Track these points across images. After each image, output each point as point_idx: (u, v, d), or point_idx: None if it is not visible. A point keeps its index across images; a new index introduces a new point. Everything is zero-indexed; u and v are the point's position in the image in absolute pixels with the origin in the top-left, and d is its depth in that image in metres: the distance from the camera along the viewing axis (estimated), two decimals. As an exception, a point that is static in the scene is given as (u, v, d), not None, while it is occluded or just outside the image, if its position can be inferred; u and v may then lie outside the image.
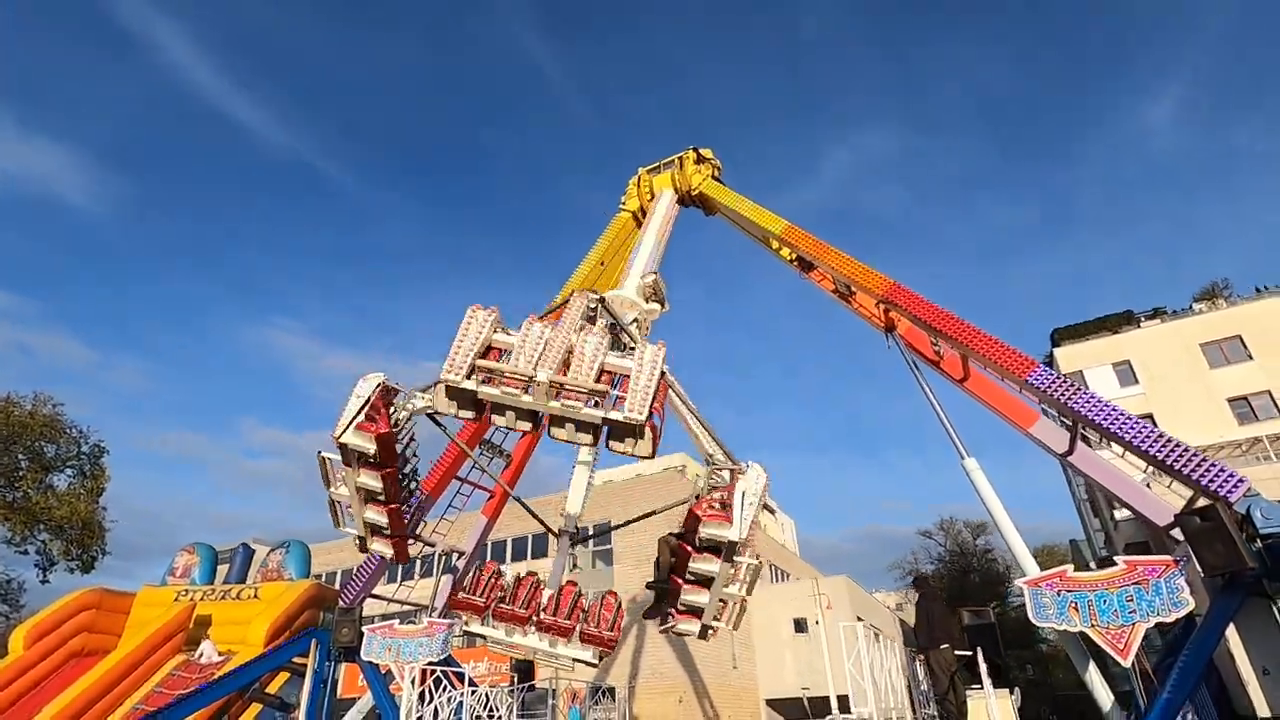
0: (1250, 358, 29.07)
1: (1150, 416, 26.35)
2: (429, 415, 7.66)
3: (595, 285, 14.88)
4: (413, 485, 7.94)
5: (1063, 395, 8.54)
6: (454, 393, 6.80)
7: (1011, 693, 10.58)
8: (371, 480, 7.31)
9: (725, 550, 6.53)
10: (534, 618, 7.66)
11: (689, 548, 6.76)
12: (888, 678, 7.62)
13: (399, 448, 7.39)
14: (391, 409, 7.25)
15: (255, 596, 15.48)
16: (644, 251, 11.63)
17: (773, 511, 44.45)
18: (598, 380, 6.39)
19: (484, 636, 7.85)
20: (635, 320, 9.30)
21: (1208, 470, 7.50)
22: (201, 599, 15.66)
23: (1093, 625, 7.21)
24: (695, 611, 6.94)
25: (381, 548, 7.94)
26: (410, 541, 8.29)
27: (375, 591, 12.48)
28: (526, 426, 6.92)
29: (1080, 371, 30.80)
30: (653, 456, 6.92)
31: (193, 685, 12.22)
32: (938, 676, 8.99)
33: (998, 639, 9.14)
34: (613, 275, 15.27)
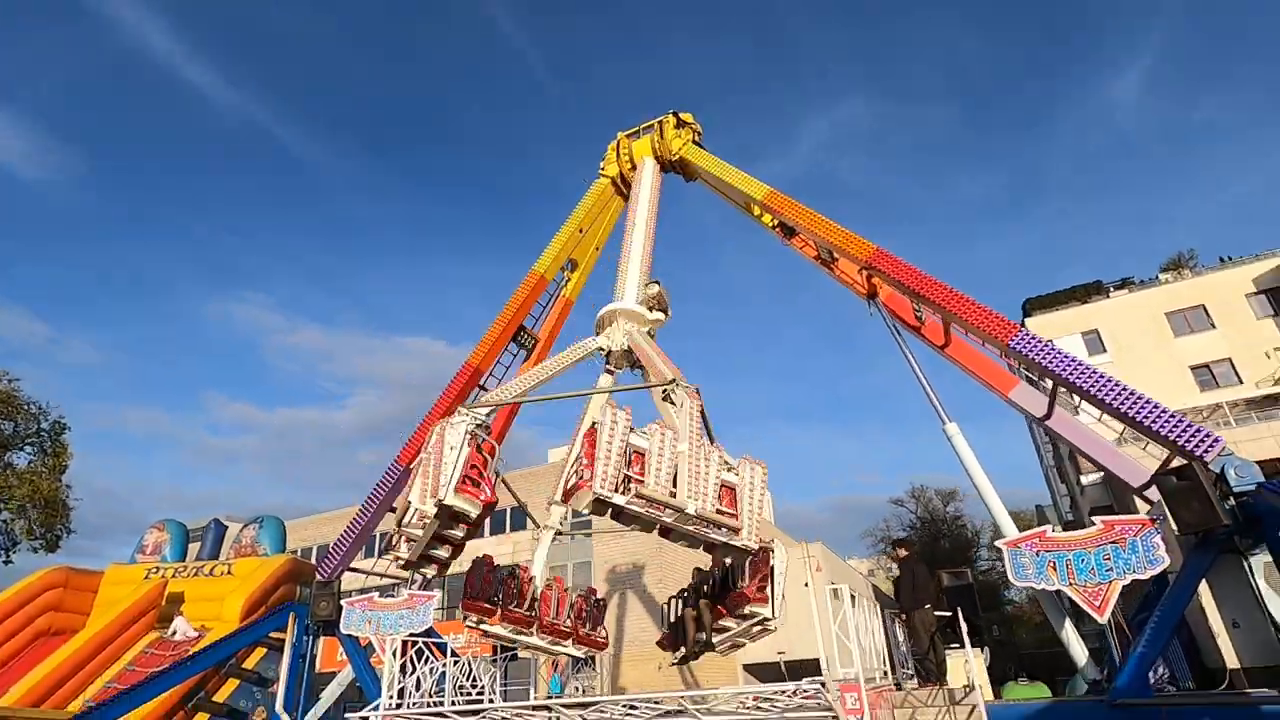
0: (1213, 326, 29.83)
1: (1117, 384, 26.94)
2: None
3: (573, 254, 14.62)
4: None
5: (1044, 359, 8.58)
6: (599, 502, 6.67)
7: (981, 651, 10.84)
8: (458, 532, 7.86)
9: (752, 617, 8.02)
10: (537, 621, 9.25)
11: (723, 610, 8.51)
12: (871, 639, 7.70)
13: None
14: (491, 466, 7.58)
15: (229, 573, 15.21)
16: (636, 252, 11.44)
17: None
18: (719, 499, 6.84)
19: (494, 635, 9.06)
20: (649, 331, 9.86)
21: (1185, 430, 7.61)
22: (173, 576, 15.34)
23: (1070, 584, 7.33)
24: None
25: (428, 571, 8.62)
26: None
27: (353, 565, 12.29)
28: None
29: (1050, 341, 31.37)
30: None
31: (167, 662, 12.00)
32: (919, 636, 9.13)
33: (975, 600, 9.29)
34: (591, 242, 15.01)
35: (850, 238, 10.77)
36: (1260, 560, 7.34)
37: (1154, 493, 8.70)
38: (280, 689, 8.79)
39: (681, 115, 14.01)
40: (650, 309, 10.03)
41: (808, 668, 9.14)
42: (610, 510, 6.64)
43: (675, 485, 6.62)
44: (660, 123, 14.00)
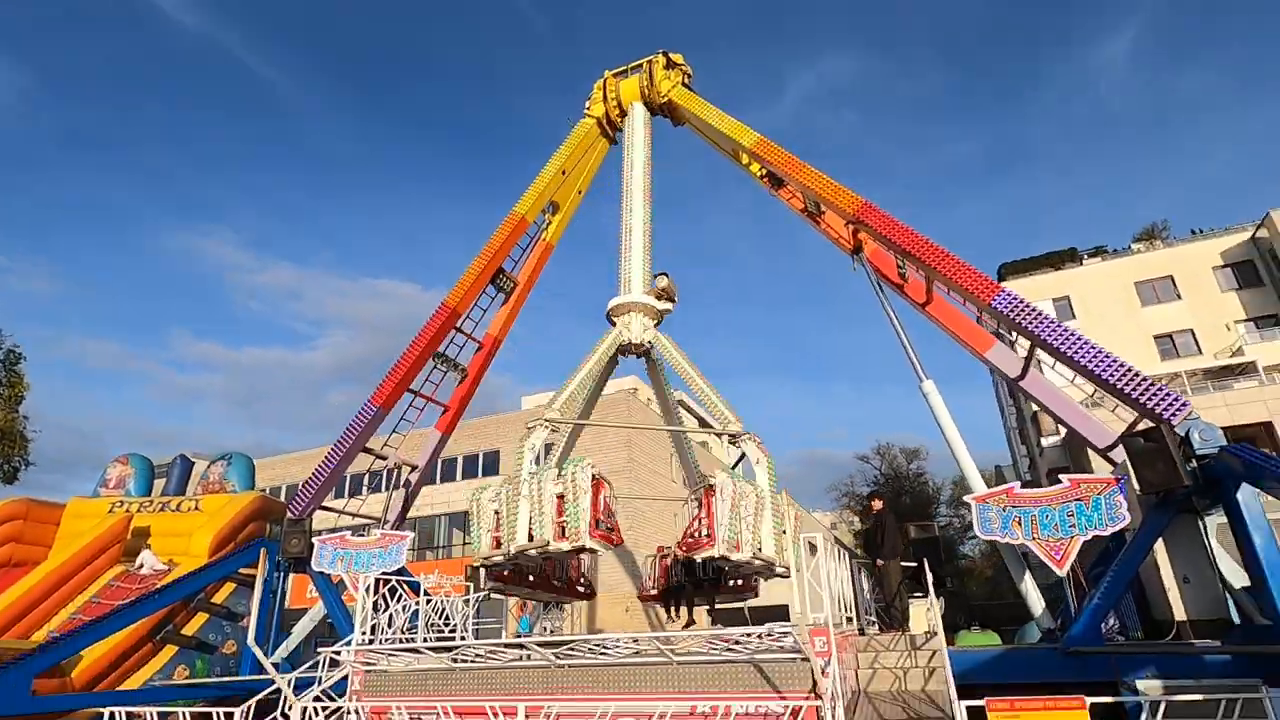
0: (1179, 297, 30.51)
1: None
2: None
3: (555, 196, 14.24)
4: None
5: (1025, 319, 8.65)
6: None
7: (938, 601, 11.28)
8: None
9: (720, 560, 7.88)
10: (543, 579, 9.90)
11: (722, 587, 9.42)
12: (841, 587, 7.91)
13: None
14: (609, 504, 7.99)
15: (197, 508, 15.02)
16: (638, 237, 11.65)
17: (719, 436, 45.58)
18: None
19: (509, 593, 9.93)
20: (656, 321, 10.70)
21: (1154, 394, 7.78)
22: (138, 510, 15.11)
23: (1034, 538, 7.55)
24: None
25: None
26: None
27: (325, 504, 12.21)
28: None
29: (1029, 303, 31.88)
30: None
31: (133, 595, 11.91)
32: (889, 585, 9.43)
33: (940, 552, 9.54)
34: (574, 185, 14.63)
35: (838, 190, 10.63)
36: (1214, 520, 7.64)
37: (1117, 454, 8.97)
38: (252, 623, 8.76)
39: (671, 56, 13.53)
40: (659, 299, 10.77)
41: (774, 614, 9.42)
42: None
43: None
44: (650, 63, 13.53)
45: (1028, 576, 8.68)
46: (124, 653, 11.46)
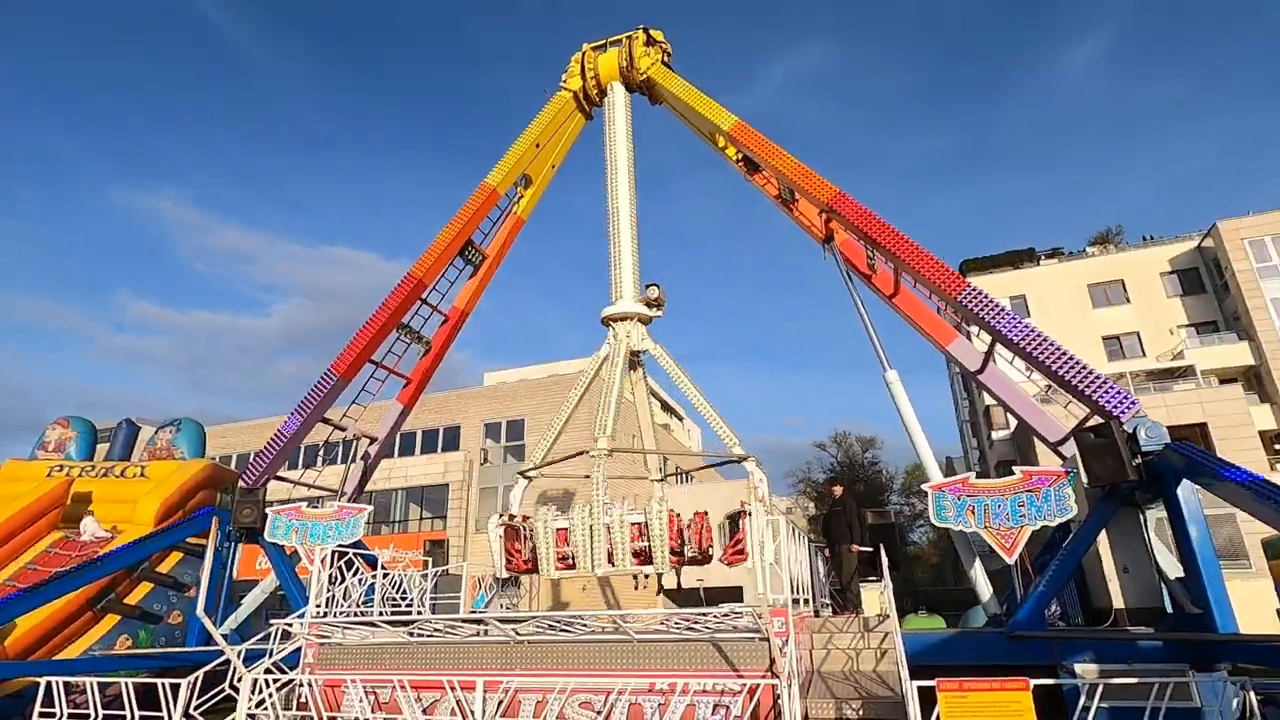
0: (1128, 301, 31.66)
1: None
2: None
3: (528, 169, 14.00)
4: None
5: (988, 315, 8.84)
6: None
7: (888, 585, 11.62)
8: None
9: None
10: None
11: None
12: (799, 569, 8.06)
13: None
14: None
15: (143, 475, 14.50)
16: (626, 242, 11.76)
17: (680, 418, 45.93)
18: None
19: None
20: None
21: (1106, 392, 8.06)
22: (80, 475, 14.52)
23: (986, 527, 7.81)
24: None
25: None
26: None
27: (280, 474, 11.91)
28: None
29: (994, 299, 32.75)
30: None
31: (73, 563, 11.47)
32: (845, 569, 9.65)
33: (895, 538, 9.78)
34: (547, 159, 14.39)
35: (813, 178, 10.67)
36: (1154, 514, 8.00)
37: (1067, 449, 9.30)
38: (202, 593, 8.51)
39: (652, 32, 13.35)
40: (650, 307, 11.27)
41: (726, 594, 9.60)
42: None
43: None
44: (629, 39, 13.31)
45: (978, 563, 8.97)
46: (62, 621, 11.05)
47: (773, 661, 6.19)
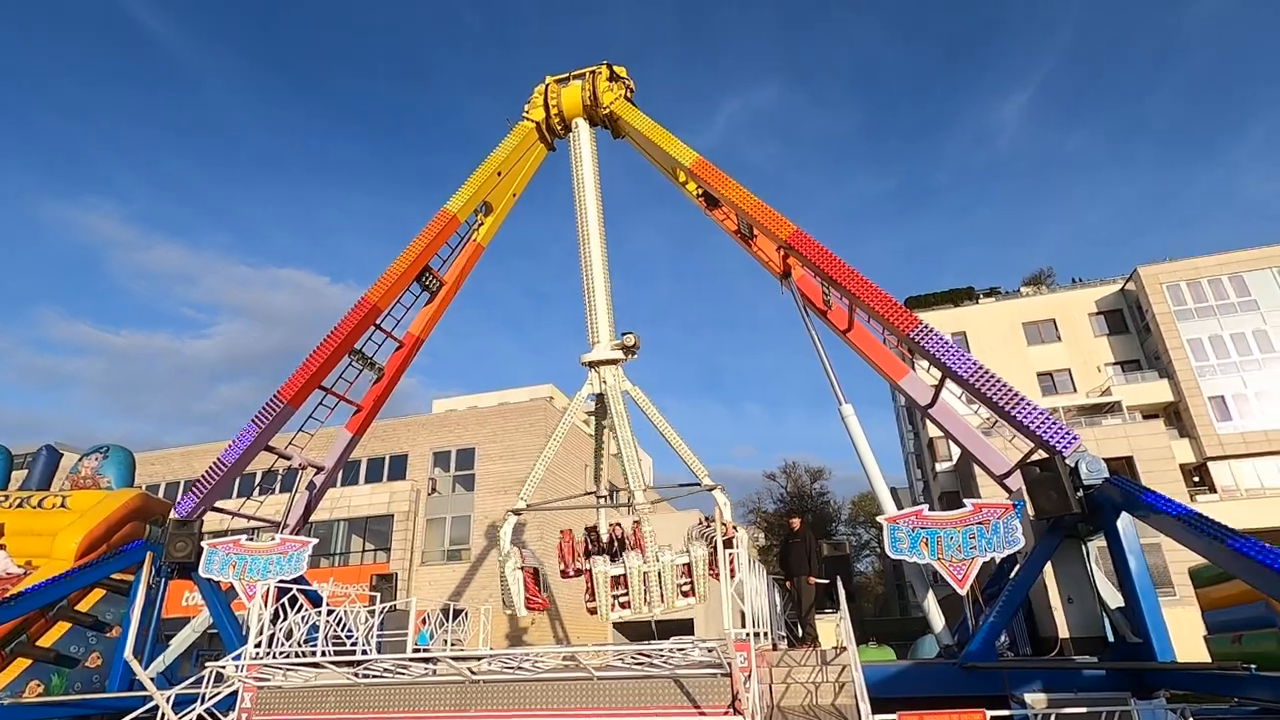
0: (1059, 339, 33.35)
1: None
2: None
3: (489, 197, 13.96)
4: None
5: (939, 351, 9.16)
6: None
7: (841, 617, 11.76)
8: None
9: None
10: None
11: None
12: (760, 601, 8.06)
13: None
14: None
15: (63, 506, 13.53)
16: (599, 287, 12.09)
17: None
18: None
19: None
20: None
21: (1049, 427, 8.42)
22: (-9, 505, 13.48)
23: (939, 559, 8.00)
24: None
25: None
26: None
27: (217, 505, 11.33)
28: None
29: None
30: None
31: (-20, 601, 10.57)
32: (804, 601, 9.70)
33: (850, 570, 9.91)
34: (508, 188, 14.39)
35: (772, 215, 10.96)
36: (1095, 545, 8.34)
37: (1013, 481, 9.64)
38: (131, 633, 7.95)
39: (615, 69, 13.60)
40: (625, 352, 11.75)
41: (677, 627, 9.57)
42: None
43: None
44: (593, 74, 13.53)
45: (930, 595, 9.15)
46: (-37, 666, 10.15)
47: (735, 697, 6.14)
